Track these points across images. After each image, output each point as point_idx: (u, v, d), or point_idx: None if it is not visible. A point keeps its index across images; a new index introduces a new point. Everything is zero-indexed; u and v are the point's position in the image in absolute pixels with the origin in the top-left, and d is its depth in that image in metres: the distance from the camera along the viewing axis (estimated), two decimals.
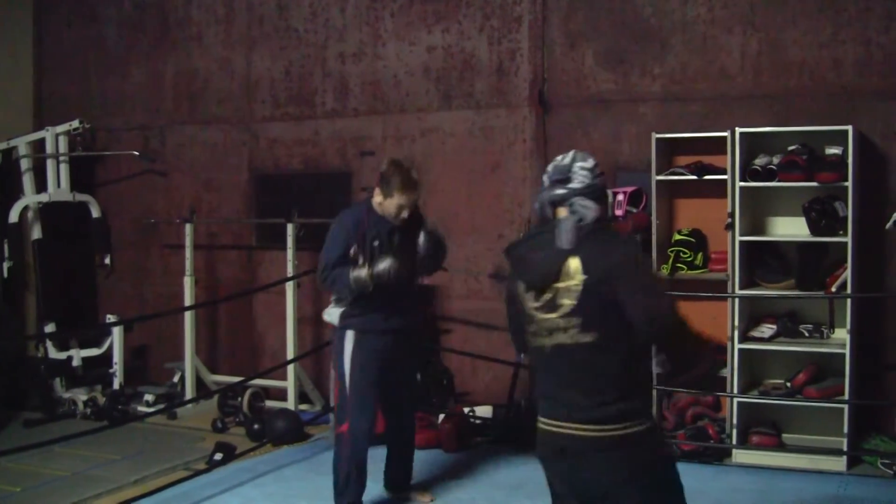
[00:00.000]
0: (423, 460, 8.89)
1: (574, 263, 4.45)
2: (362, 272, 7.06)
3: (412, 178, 7.26)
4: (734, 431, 8.87)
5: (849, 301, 8.62)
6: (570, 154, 4.71)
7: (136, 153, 12.12)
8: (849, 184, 8.49)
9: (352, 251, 7.20)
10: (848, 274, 8.56)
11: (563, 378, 4.53)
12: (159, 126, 12.35)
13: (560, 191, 4.60)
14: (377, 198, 7.28)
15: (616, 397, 4.44)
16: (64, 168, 11.84)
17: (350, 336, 7.33)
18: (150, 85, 12.41)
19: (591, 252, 4.47)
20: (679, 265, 9.21)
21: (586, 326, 4.42)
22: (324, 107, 11.39)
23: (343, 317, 7.37)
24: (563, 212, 4.60)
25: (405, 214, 7.27)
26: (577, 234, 4.50)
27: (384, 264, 7.05)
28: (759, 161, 8.84)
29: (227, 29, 11.90)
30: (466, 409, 9.92)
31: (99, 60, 12.70)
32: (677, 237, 9.31)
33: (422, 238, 7.44)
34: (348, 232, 7.24)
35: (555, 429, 4.52)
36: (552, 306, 4.50)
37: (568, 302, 4.45)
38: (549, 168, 4.73)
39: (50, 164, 11.79)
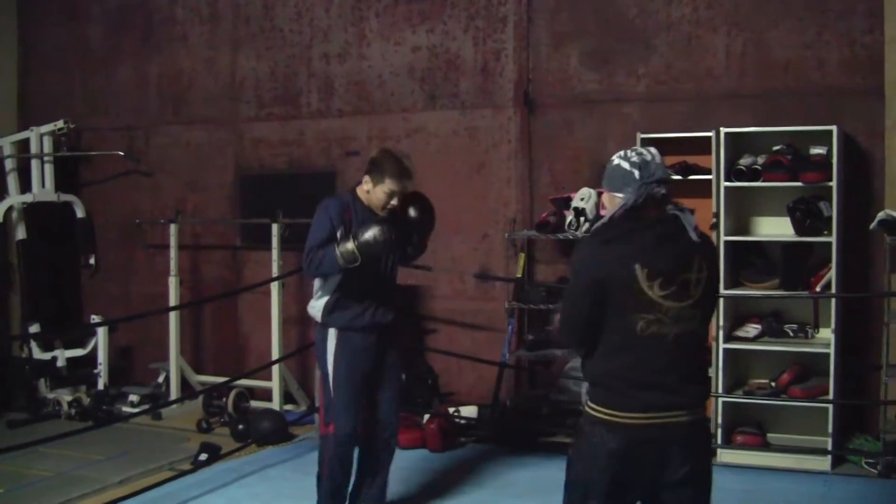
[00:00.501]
0: (407, 460, 8.89)
1: (699, 257, 4.69)
2: (348, 244, 6.61)
3: (405, 165, 6.88)
4: (719, 431, 8.88)
5: (833, 301, 8.64)
6: (654, 151, 4.86)
7: (122, 153, 12.10)
8: (833, 184, 8.51)
9: (338, 234, 6.76)
10: (832, 274, 8.59)
11: (680, 365, 4.66)
12: (144, 126, 12.33)
13: (664, 190, 4.77)
14: (365, 186, 6.87)
15: (705, 381, 4.90)
16: (48, 168, 11.80)
17: (332, 334, 6.94)
18: (134, 85, 12.39)
19: (706, 249, 4.77)
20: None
21: (704, 317, 4.74)
22: (309, 107, 11.39)
23: (325, 312, 6.96)
24: (661, 210, 4.77)
25: (395, 203, 6.83)
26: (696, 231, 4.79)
27: (369, 232, 6.60)
28: (744, 161, 8.86)
29: (213, 29, 11.89)
30: (451, 409, 9.92)
31: (83, 60, 12.68)
32: None
33: (412, 210, 7.05)
34: (332, 218, 6.82)
35: (660, 420, 4.59)
36: (683, 295, 4.62)
37: (696, 293, 4.65)
38: (647, 162, 4.77)
39: (34, 164, 11.75)
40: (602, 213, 5.14)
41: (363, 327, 7.00)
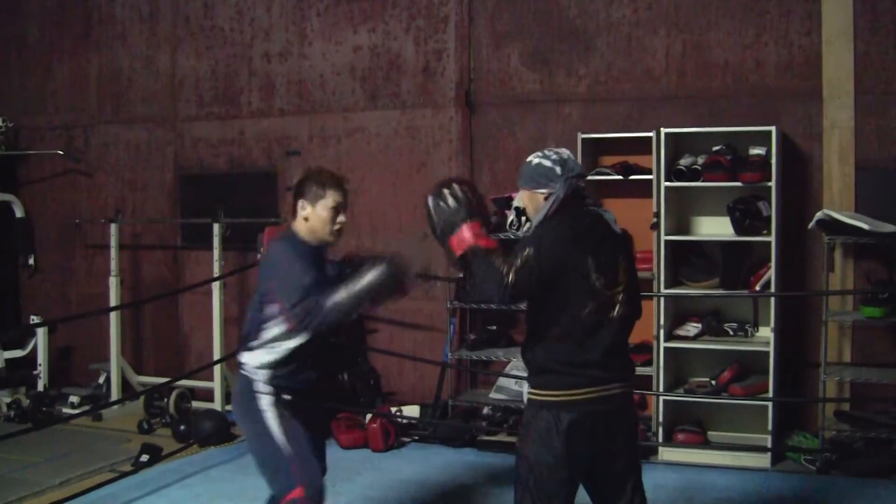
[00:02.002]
0: (350, 460, 8.90)
1: (622, 248, 5.13)
2: (353, 286, 5.45)
3: (338, 174, 5.90)
4: (660, 429, 8.95)
5: (772, 300, 8.73)
6: (567, 151, 5.19)
7: (61, 152, 12.02)
8: (772, 184, 8.59)
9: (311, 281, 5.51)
10: (772, 273, 8.67)
11: (613, 345, 5.03)
12: (83, 125, 12.23)
13: (583, 184, 5.16)
14: (302, 213, 5.74)
15: (630, 359, 5.35)
16: None
17: (267, 401, 5.74)
18: (73, 83, 12.30)
19: (626, 240, 5.19)
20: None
21: (629, 300, 5.08)
22: (249, 106, 11.35)
23: (266, 370, 5.76)
24: (581, 203, 5.15)
25: (343, 220, 5.77)
26: None
27: (376, 273, 5.50)
28: (684, 161, 8.93)
29: (152, 27, 11.82)
30: (393, 409, 9.93)
31: (21, 58, 12.56)
32: None
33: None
34: (307, 259, 5.63)
35: (603, 392, 4.99)
36: (616, 283, 5.01)
37: (623, 279, 5.05)
38: (566, 160, 5.11)
39: None
40: (525, 207, 5.33)
41: (304, 388, 5.94)
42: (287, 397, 5.77)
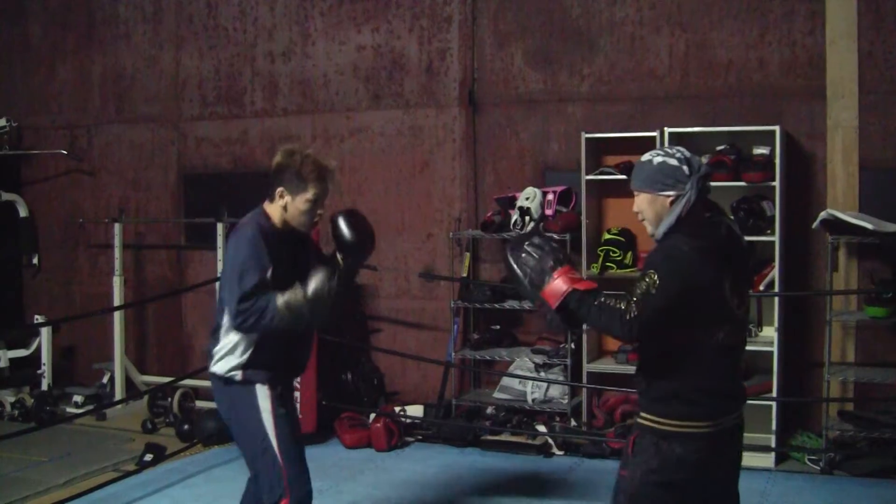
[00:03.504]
0: (353, 460, 8.91)
1: (748, 264, 4.84)
2: (297, 294, 5.38)
3: (325, 163, 5.75)
4: None
5: (776, 299, 8.73)
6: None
7: (64, 152, 12.02)
8: (776, 183, 8.60)
9: (266, 275, 5.45)
10: (775, 273, 8.68)
11: (739, 369, 4.82)
12: (86, 125, 12.24)
13: (709, 186, 4.75)
14: (279, 201, 5.64)
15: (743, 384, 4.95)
16: None
17: (263, 393, 5.62)
18: (76, 83, 12.30)
19: (749, 255, 4.88)
20: (609, 264, 9.27)
21: (748, 319, 4.83)
22: (253, 106, 11.35)
23: (244, 367, 5.62)
24: (707, 209, 4.75)
25: (321, 212, 5.73)
26: None
27: (319, 281, 5.45)
28: None
29: (156, 27, 11.82)
30: (397, 409, 9.93)
31: (24, 58, 12.56)
32: (607, 236, 9.38)
33: (346, 231, 5.80)
34: (263, 251, 5.49)
35: (728, 422, 4.71)
36: (743, 303, 4.69)
37: (747, 299, 4.75)
38: (690, 158, 4.71)
39: None
40: (644, 219, 4.78)
41: (289, 376, 5.97)
42: (270, 387, 5.65)
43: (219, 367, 5.67)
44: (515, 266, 4.73)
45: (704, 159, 8.82)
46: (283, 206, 5.65)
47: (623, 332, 4.44)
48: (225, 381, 5.67)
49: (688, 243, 4.48)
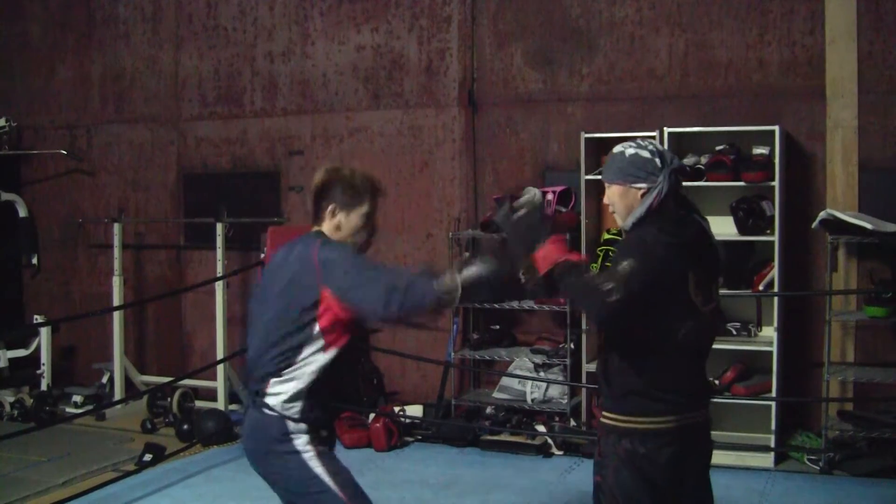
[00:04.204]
0: (352, 459, 8.87)
1: (718, 261, 4.75)
2: (472, 269, 4.66)
3: (376, 177, 5.20)
4: None
5: (776, 299, 8.73)
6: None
7: (64, 152, 12.02)
8: (775, 183, 8.60)
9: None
10: (775, 272, 8.68)
11: (701, 368, 4.70)
12: (86, 125, 12.24)
13: (682, 181, 4.68)
14: (330, 220, 4.99)
15: (710, 383, 4.94)
16: None
17: (304, 441, 4.86)
18: (76, 83, 12.30)
19: (720, 252, 4.78)
20: (608, 264, 9.26)
21: (718, 320, 4.74)
22: (252, 106, 11.35)
23: (296, 404, 4.84)
24: (678, 202, 4.65)
25: (377, 226, 5.20)
26: None
27: (487, 260, 4.71)
28: (687, 161, 8.92)
29: (155, 27, 11.82)
30: (396, 409, 9.93)
31: (24, 57, 12.56)
32: (606, 236, 9.38)
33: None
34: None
35: (690, 420, 4.61)
36: (710, 300, 4.62)
37: (716, 295, 4.69)
38: (663, 151, 4.61)
39: None
40: (615, 211, 4.67)
41: (331, 416, 5.22)
42: (324, 433, 4.98)
43: (275, 391, 4.86)
44: (512, 220, 4.59)
45: (704, 159, 8.86)
46: (335, 226, 4.99)
47: (601, 313, 4.32)
48: (272, 414, 4.85)
49: (655, 236, 4.44)
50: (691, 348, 4.57)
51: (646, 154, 4.54)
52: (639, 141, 4.66)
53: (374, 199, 5.06)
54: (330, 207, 4.98)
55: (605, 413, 4.65)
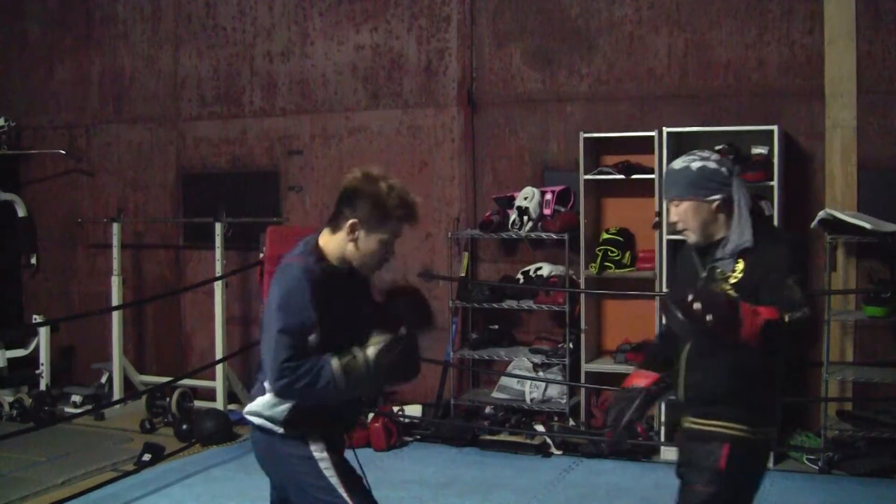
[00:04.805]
0: (352, 460, 8.88)
1: None
2: (356, 358, 4.49)
3: (412, 199, 4.80)
4: (662, 429, 8.95)
5: None
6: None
7: (63, 152, 12.02)
8: (774, 183, 8.60)
9: (312, 337, 4.47)
10: None
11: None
12: (85, 124, 12.23)
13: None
14: (347, 234, 4.62)
15: None
16: None
17: (316, 444, 4.69)
18: (75, 83, 12.29)
19: None
20: (607, 264, 9.27)
21: None
22: (251, 105, 11.35)
23: (290, 420, 4.66)
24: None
25: (394, 252, 4.84)
26: None
27: (382, 344, 4.56)
28: None
29: (154, 27, 11.81)
30: (395, 408, 9.93)
31: (23, 57, 12.55)
32: (605, 236, 9.38)
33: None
34: (312, 300, 4.49)
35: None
36: None
37: None
38: (722, 159, 4.55)
39: None
40: (686, 228, 4.54)
41: (340, 424, 5.04)
42: (323, 440, 4.72)
43: (261, 417, 4.71)
44: (695, 319, 4.12)
45: None
46: (352, 241, 4.63)
47: (812, 340, 4.18)
48: (270, 434, 4.72)
49: (787, 243, 4.36)
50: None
51: (712, 165, 4.46)
52: (698, 153, 4.55)
53: (401, 226, 4.70)
54: (352, 221, 4.60)
55: (727, 423, 4.44)
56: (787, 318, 4.11)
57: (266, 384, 4.60)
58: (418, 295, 4.64)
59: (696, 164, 4.45)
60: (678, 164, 4.53)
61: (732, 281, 4.41)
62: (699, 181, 4.43)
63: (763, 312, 4.11)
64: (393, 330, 4.66)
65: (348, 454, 4.90)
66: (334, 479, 4.67)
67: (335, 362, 4.42)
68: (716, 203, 4.44)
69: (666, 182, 4.60)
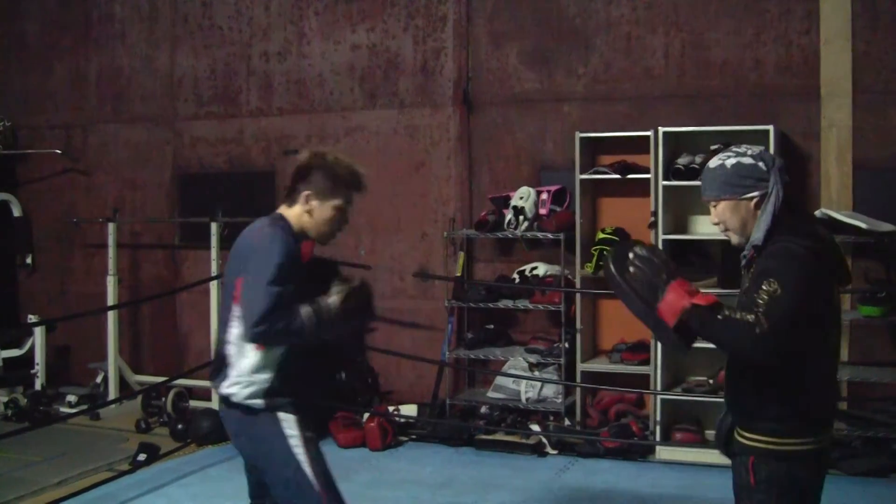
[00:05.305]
0: (347, 459, 8.89)
1: None
2: (324, 303, 4.89)
3: (360, 168, 5.20)
4: (657, 428, 8.95)
5: None
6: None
7: (59, 151, 12.01)
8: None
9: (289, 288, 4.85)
10: None
11: (836, 382, 4.42)
12: (82, 124, 12.22)
13: (788, 179, 4.40)
14: (302, 206, 5.05)
15: None
16: None
17: (289, 419, 4.98)
18: (72, 82, 12.28)
19: None
20: (603, 263, 9.26)
21: None
22: (248, 105, 11.35)
23: (266, 393, 4.97)
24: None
25: (346, 222, 5.22)
26: None
27: (341, 293, 4.98)
28: (682, 160, 8.93)
29: (151, 27, 11.82)
30: (391, 408, 9.93)
31: (20, 57, 12.54)
32: (601, 236, 9.37)
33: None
34: (293, 261, 4.91)
35: (828, 440, 4.39)
36: (839, 300, 4.43)
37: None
38: (762, 152, 4.37)
39: None
40: (728, 228, 4.41)
41: (310, 403, 5.36)
42: (294, 413, 5.00)
43: (235, 393, 5.00)
44: (622, 283, 4.24)
45: (699, 158, 8.85)
46: (306, 212, 5.04)
47: (756, 349, 3.97)
48: (244, 409, 5.01)
49: (799, 243, 4.13)
50: (836, 355, 4.37)
51: (748, 160, 4.28)
52: (734, 148, 4.38)
53: (351, 193, 5.11)
54: (306, 192, 5.04)
55: (758, 437, 4.28)
56: (721, 314, 4.01)
57: (235, 356, 4.99)
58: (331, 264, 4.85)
59: (731, 161, 4.30)
60: (714, 162, 4.39)
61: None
62: (734, 179, 4.28)
63: (697, 298, 4.08)
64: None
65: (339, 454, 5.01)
66: (302, 458, 4.95)
67: (305, 309, 4.82)
68: (754, 200, 4.28)
69: (702, 182, 4.46)
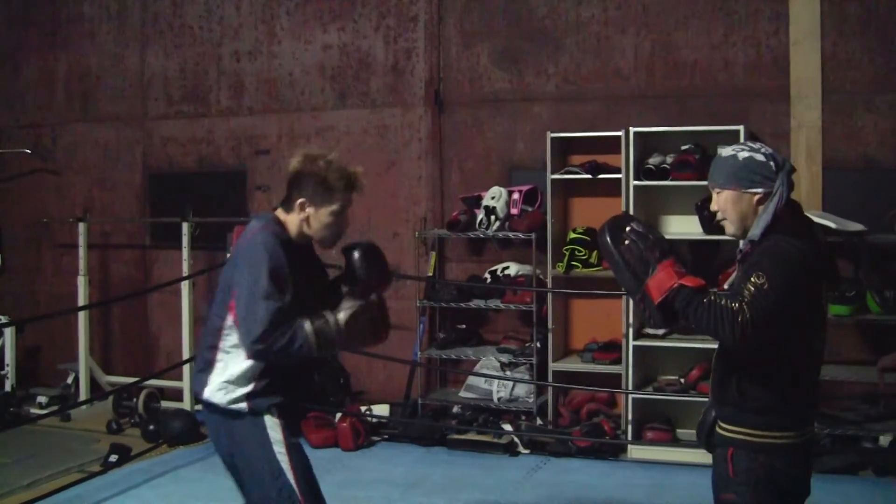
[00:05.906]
0: (320, 459, 8.86)
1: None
2: (328, 321, 4.80)
3: (353, 171, 5.08)
4: (629, 427, 8.99)
5: None
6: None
7: (28, 151, 11.96)
8: None
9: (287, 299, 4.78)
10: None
11: (818, 378, 4.49)
12: (51, 124, 12.17)
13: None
14: (299, 213, 4.99)
15: None
16: None
17: (272, 423, 4.91)
18: (41, 82, 12.23)
19: None
20: (574, 263, 9.29)
21: None
22: (218, 105, 11.33)
23: (249, 396, 4.90)
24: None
25: (347, 224, 5.16)
26: None
27: (352, 309, 4.89)
28: (653, 160, 8.96)
29: (121, 26, 11.77)
30: (363, 408, 9.93)
31: None
32: (572, 235, 9.40)
33: (356, 256, 5.11)
34: (284, 266, 4.83)
35: (810, 434, 4.44)
36: (826, 305, 4.52)
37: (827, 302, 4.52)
38: (774, 153, 4.38)
39: None
40: (725, 218, 4.44)
41: (298, 406, 5.29)
42: (280, 418, 4.95)
43: (217, 397, 4.93)
44: (615, 253, 4.35)
45: (669, 158, 8.89)
46: (304, 219, 4.99)
47: (734, 335, 4.04)
48: (226, 413, 4.94)
49: (791, 243, 4.20)
50: (819, 357, 4.45)
51: (760, 157, 4.30)
52: (749, 144, 4.41)
53: (347, 196, 5.00)
54: (300, 200, 4.96)
55: (736, 428, 4.37)
56: (707, 298, 4.10)
57: (218, 360, 4.93)
58: (373, 249, 4.67)
59: (743, 154, 4.33)
60: (726, 151, 4.44)
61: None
62: (742, 172, 4.31)
63: (686, 279, 4.18)
64: (353, 288, 5.03)
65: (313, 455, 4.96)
66: (285, 463, 4.89)
67: (308, 326, 4.70)
68: (757, 196, 4.32)
69: (711, 169, 4.48)
